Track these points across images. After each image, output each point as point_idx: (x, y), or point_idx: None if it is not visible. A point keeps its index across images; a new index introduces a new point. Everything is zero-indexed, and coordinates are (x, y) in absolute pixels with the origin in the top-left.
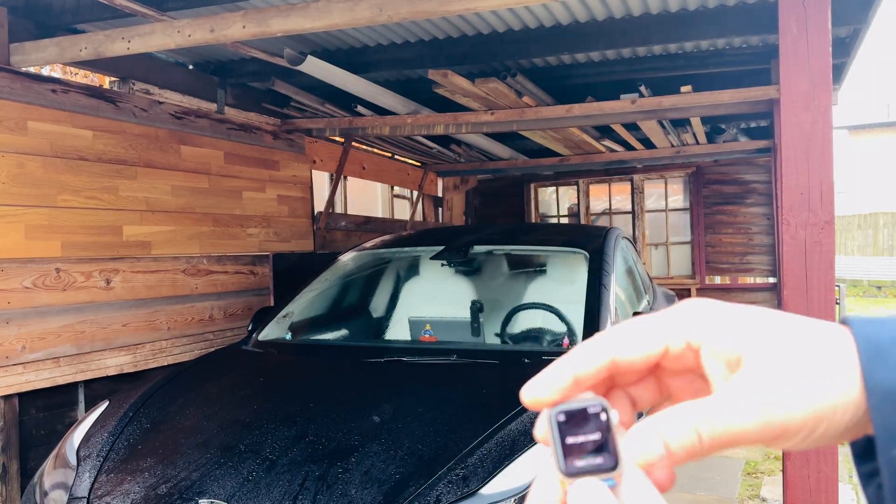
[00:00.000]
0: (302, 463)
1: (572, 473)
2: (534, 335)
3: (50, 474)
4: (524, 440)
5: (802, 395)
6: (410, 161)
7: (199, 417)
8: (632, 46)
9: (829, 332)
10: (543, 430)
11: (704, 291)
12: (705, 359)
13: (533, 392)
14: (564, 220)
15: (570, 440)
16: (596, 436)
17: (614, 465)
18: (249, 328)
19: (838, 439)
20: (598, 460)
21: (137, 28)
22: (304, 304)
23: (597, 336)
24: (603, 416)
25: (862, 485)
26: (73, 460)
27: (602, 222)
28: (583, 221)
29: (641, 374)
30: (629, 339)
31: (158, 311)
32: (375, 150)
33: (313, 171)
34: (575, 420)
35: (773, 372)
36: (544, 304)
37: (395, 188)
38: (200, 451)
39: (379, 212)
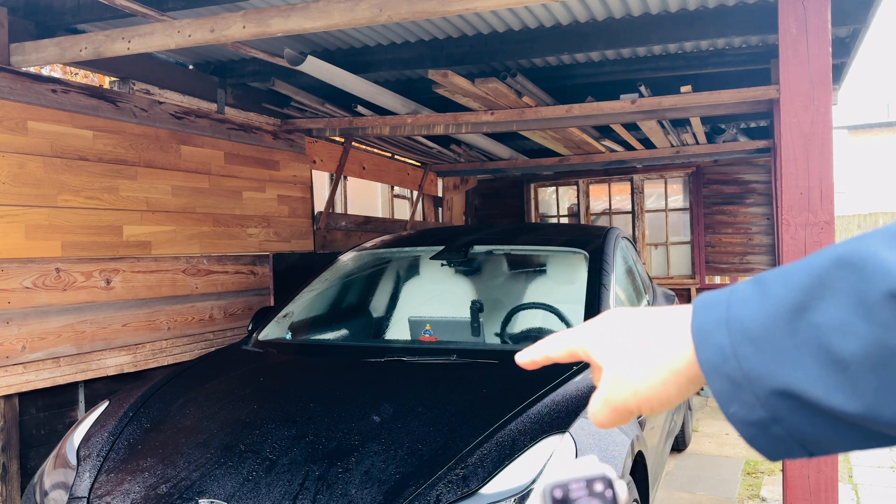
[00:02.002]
0: (302, 463)
1: None
2: (534, 335)
3: (50, 474)
4: (524, 440)
5: (629, 382)
6: (410, 161)
7: (199, 417)
8: (632, 46)
9: (673, 313)
10: None
11: (704, 291)
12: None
13: (526, 357)
14: (564, 220)
15: None
16: None
17: None
18: (249, 328)
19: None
20: None
21: (137, 28)
22: (304, 304)
23: (569, 330)
24: (609, 493)
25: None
26: (73, 460)
27: (602, 222)
28: (583, 221)
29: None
30: (552, 342)
31: (158, 311)
32: (375, 150)
33: (313, 171)
34: (575, 496)
35: (608, 373)
36: (544, 304)
37: (395, 188)
38: (200, 450)
39: (379, 212)
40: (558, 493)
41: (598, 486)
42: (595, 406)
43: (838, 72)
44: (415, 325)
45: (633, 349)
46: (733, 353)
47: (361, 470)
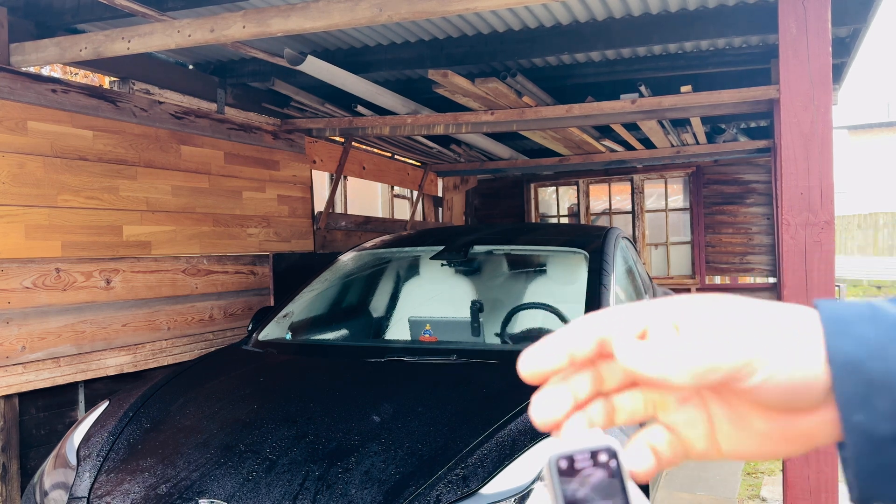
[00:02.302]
0: (302, 463)
1: None
2: (534, 335)
3: (50, 474)
4: (524, 440)
5: (728, 345)
6: (410, 161)
7: (199, 417)
8: (632, 46)
9: (799, 310)
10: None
11: (704, 291)
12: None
13: (530, 364)
14: (564, 220)
15: (573, 491)
16: (604, 485)
17: None
18: (249, 328)
19: (797, 396)
20: None
21: (137, 28)
22: (304, 304)
23: (590, 315)
24: (613, 463)
25: (843, 469)
26: (73, 460)
27: (602, 222)
28: (583, 221)
29: (624, 378)
30: (617, 318)
31: (158, 311)
32: (375, 150)
33: (313, 171)
34: (580, 466)
35: (702, 329)
36: (544, 304)
37: (395, 188)
38: (200, 450)
39: (379, 212)
40: (563, 464)
41: (603, 457)
42: (676, 360)
43: (838, 72)
44: (415, 325)
45: (745, 317)
46: (880, 350)
47: (361, 470)
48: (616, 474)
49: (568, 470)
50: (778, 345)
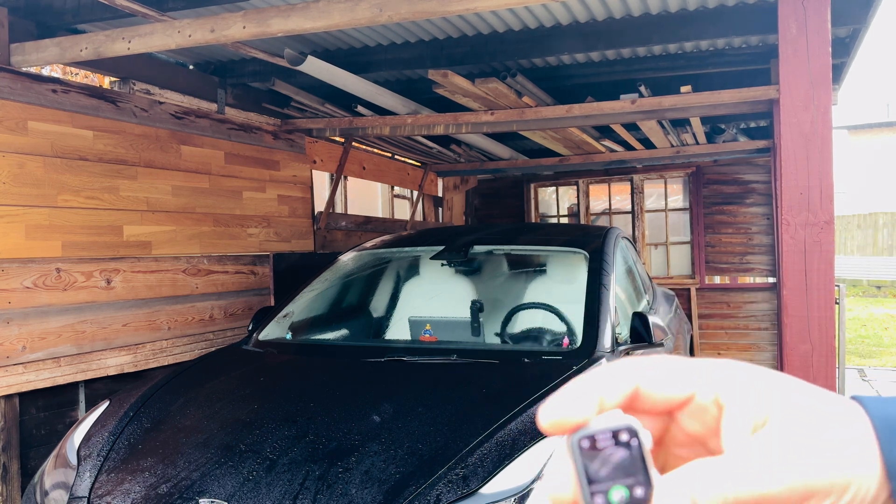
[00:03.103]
0: (302, 462)
1: None
2: (534, 335)
3: (50, 474)
4: (524, 440)
5: (828, 461)
6: (410, 161)
7: (199, 417)
8: (632, 46)
9: (845, 407)
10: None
11: (704, 291)
12: (728, 418)
13: (552, 414)
14: (564, 220)
15: (596, 469)
16: (626, 464)
17: (648, 499)
18: (250, 328)
19: None
20: (631, 493)
21: (138, 28)
22: (304, 304)
23: (626, 361)
24: (634, 441)
25: None
26: (73, 460)
27: (602, 222)
28: (583, 221)
29: (657, 414)
30: (660, 373)
31: (159, 311)
32: (375, 150)
33: (313, 171)
34: (601, 446)
35: (800, 436)
36: (544, 304)
37: (395, 188)
38: (201, 450)
39: (379, 212)
40: (585, 444)
41: (624, 437)
42: (770, 474)
43: (838, 72)
44: (415, 325)
45: (823, 418)
46: None
47: (361, 470)
48: (637, 452)
49: (590, 449)
50: (861, 463)
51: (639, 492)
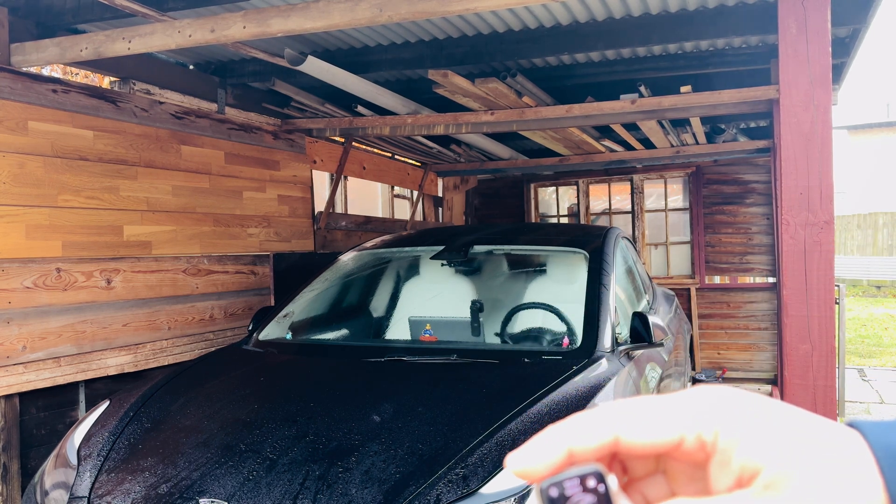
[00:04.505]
0: (302, 462)
1: None
2: (534, 335)
3: (50, 474)
4: (524, 440)
5: None
6: (410, 161)
7: (199, 417)
8: (632, 46)
9: (843, 439)
10: None
11: (704, 291)
12: (716, 463)
13: (521, 462)
14: (564, 220)
15: None
16: None
17: None
18: (250, 328)
19: None
20: None
21: (138, 28)
22: (304, 304)
23: (602, 408)
24: (601, 487)
25: None
26: (73, 460)
27: (602, 222)
28: (583, 221)
29: (647, 461)
30: (639, 421)
31: (159, 311)
32: (375, 150)
33: (313, 171)
34: (570, 493)
35: (791, 497)
36: (544, 304)
37: (395, 188)
38: (201, 450)
39: (379, 212)
40: (554, 492)
41: (591, 482)
42: None
43: (838, 72)
44: (415, 325)
45: (820, 467)
46: None
47: (362, 469)
48: (605, 498)
49: (559, 498)
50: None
51: None
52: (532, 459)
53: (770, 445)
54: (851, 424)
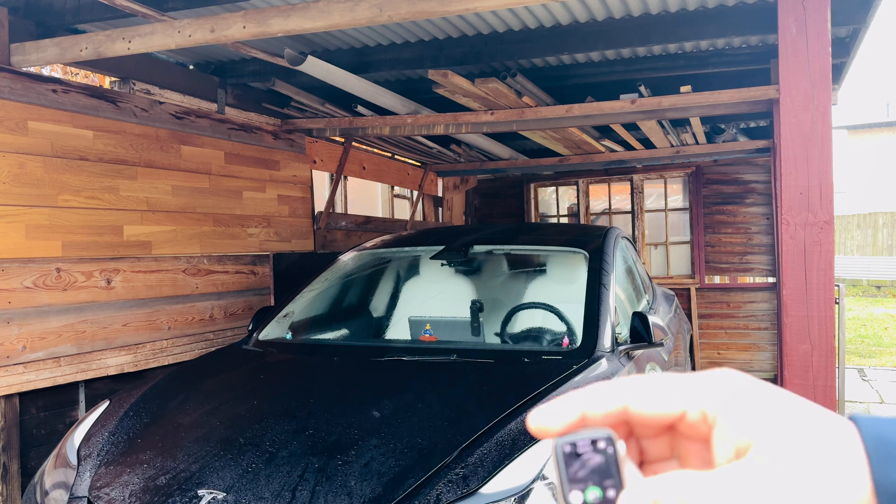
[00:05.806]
0: (301, 455)
1: None
2: (533, 335)
3: (51, 474)
4: (524, 439)
5: (806, 496)
6: (410, 161)
7: (199, 414)
8: (632, 46)
9: (836, 427)
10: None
11: (704, 291)
12: (717, 436)
13: (539, 419)
14: (564, 220)
15: (575, 471)
16: (602, 468)
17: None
18: (250, 328)
19: None
20: (604, 494)
21: (138, 28)
22: (304, 304)
23: (616, 380)
24: (610, 449)
25: None
26: (73, 460)
27: (602, 222)
28: (583, 221)
29: (656, 431)
30: (648, 392)
31: (159, 311)
32: (375, 150)
33: (313, 171)
34: (581, 451)
35: (779, 469)
36: (544, 304)
37: (395, 188)
38: (200, 444)
39: (379, 212)
40: (567, 449)
41: (601, 444)
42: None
43: (838, 72)
44: (415, 324)
45: (809, 448)
46: None
47: (361, 462)
48: (612, 458)
49: (571, 454)
50: (846, 489)
51: (611, 493)
52: (550, 418)
53: (764, 422)
54: (851, 417)
